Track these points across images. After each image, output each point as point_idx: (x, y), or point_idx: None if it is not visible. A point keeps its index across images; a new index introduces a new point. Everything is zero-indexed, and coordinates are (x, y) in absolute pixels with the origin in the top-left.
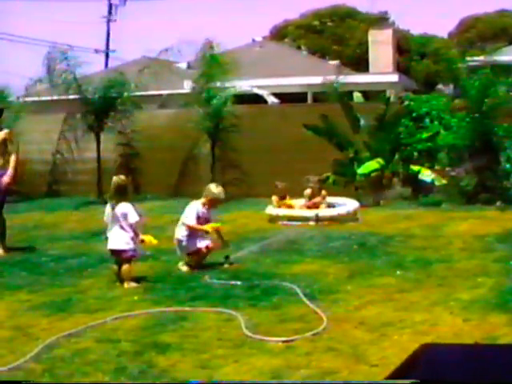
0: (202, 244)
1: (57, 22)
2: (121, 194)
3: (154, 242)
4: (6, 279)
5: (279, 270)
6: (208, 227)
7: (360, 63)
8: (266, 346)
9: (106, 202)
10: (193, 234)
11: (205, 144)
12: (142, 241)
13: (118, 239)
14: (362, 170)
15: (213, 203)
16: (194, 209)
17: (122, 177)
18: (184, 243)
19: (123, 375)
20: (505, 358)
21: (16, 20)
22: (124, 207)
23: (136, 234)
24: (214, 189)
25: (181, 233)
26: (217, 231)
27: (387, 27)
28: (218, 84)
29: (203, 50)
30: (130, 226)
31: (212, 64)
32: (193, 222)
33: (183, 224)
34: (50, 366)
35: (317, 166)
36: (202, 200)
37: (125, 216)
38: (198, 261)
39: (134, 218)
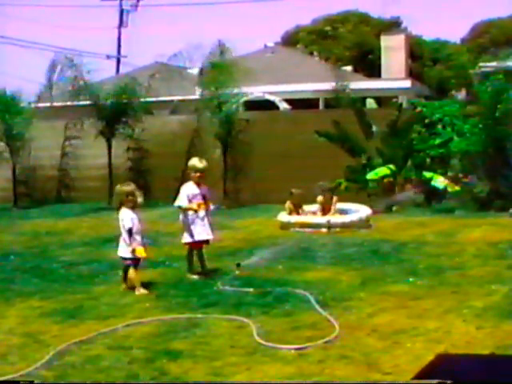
0: (198, 236)
1: (69, 28)
2: (119, 202)
3: (143, 254)
4: (17, 286)
5: (291, 277)
6: (195, 206)
7: (372, 69)
8: (279, 353)
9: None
10: (188, 220)
11: (216, 150)
12: (133, 250)
13: (121, 246)
14: (371, 175)
15: (198, 177)
16: (184, 191)
17: (124, 184)
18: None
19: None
20: None
21: (28, 26)
22: (120, 214)
23: (130, 242)
24: (191, 161)
25: (180, 218)
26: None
27: (400, 33)
28: (228, 90)
29: (214, 54)
30: (128, 232)
31: (221, 70)
32: (182, 203)
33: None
34: (61, 373)
35: (329, 172)
36: (191, 181)
37: (122, 222)
38: (192, 253)
39: (127, 224)
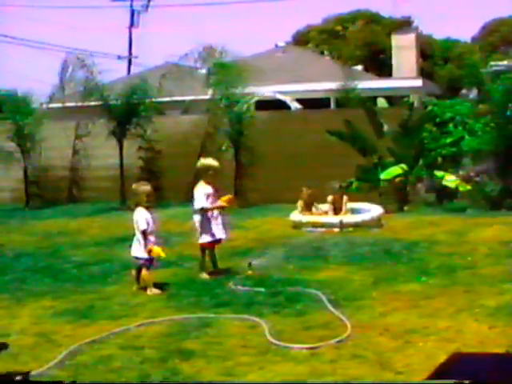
0: (217, 235)
1: (80, 29)
2: (135, 200)
3: (162, 255)
4: (29, 286)
5: (303, 277)
6: (222, 202)
7: (383, 68)
8: (291, 353)
9: (129, 209)
10: (207, 220)
11: (228, 150)
12: (150, 251)
13: (135, 246)
14: (384, 175)
15: (213, 176)
16: (201, 191)
17: (141, 184)
18: (199, 230)
19: (147, 382)
20: None
21: (40, 27)
22: (135, 214)
23: (145, 243)
24: (204, 161)
25: (195, 218)
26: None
27: (410, 32)
28: (238, 90)
29: (208, 56)
30: (142, 233)
31: (227, 71)
32: (205, 204)
33: (197, 210)
34: (73, 373)
35: (340, 171)
36: (203, 180)
37: (136, 223)
38: (205, 253)
39: (141, 225)
